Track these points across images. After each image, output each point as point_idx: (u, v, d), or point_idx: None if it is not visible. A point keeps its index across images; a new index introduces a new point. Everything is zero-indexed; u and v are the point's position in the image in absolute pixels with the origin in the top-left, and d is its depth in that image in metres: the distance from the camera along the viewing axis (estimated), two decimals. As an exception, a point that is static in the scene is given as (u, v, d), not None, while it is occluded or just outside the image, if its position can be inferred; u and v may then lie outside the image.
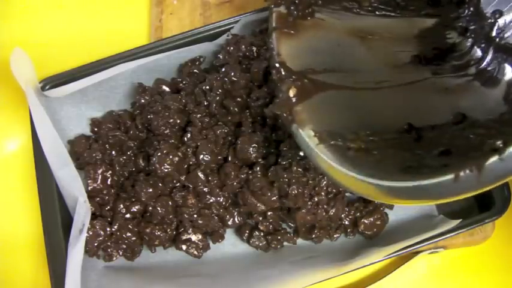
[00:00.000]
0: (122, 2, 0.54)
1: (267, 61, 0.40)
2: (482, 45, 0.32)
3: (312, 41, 0.34)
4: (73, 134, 0.44)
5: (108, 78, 0.43)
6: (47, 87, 0.43)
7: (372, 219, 0.39)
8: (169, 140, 0.40)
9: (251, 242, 0.40)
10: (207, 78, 0.41)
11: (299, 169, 0.36)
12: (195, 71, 0.44)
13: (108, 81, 0.43)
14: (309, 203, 0.37)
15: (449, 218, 0.38)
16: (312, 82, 0.31)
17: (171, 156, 0.39)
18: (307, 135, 0.29)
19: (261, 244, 0.40)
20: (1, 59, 0.46)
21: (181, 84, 0.43)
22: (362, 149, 0.28)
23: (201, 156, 0.39)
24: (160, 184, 0.40)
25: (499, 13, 0.31)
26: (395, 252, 0.36)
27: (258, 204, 0.38)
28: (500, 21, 0.31)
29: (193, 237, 0.39)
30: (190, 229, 0.39)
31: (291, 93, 0.31)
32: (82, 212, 0.38)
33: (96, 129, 0.44)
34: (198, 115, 0.40)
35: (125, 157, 0.42)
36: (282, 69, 0.31)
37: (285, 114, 0.30)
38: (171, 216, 0.39)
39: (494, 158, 0.22)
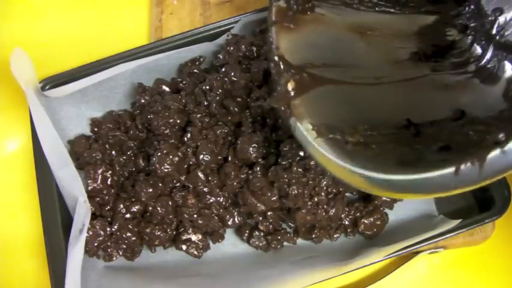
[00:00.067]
0: (122, 2, 0.54)
1: (267, 61, 0.40)
2: (482, 43, 0.32)
3: (312, 36, 0.34)
4: (73, 134, 0.44)
5: (108, 78, 0.43)
6: (47, 87, 0.43)
7: (372, 219, 0.39)
8: (169, 140, 0.40)
9: (251, 242, 0.40)
10: (207, 78, 0.41)
11: (299, 169, 0.36)
12: (195, 71, 0.44)
13: (108, 81, 0.43)
14: (309, 203, 0.37)
15: (449, 218, 0.38)
16: (311, 76, 0.31)
17: (171, 156, 0.39)
18: (305, 129, 0.29)
19: (261, 244, 0.40)
20: (1, 59, 0.46)
21: (181, 84, 0.43)
22: (360, 143, 0.28)
23: (201, 156, 0.39)
24: (160, 184, 0.40)
25: (500, 11, 0.31)
26: (395, 252, 0.36)
27: (258, 204, 0.38)
28: (501, 19, 0.31)
29: (193, 237, 0.39)
30: (190, 229, 0.39)
31: (290, 86, 0.30)
32: (82, 212, 0.38)
33: (96, 129, 0.44)
34: (198, 115, 0.40)
35: (125, 157, 0.42)
36: (280, 63, 0.31)
37: (282, 108, 0.30)
38: (171, 216, 0.39)
39: (496, 151, 0.22)
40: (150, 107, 0.41)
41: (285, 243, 0.40)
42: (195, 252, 0.39)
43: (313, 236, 0.39)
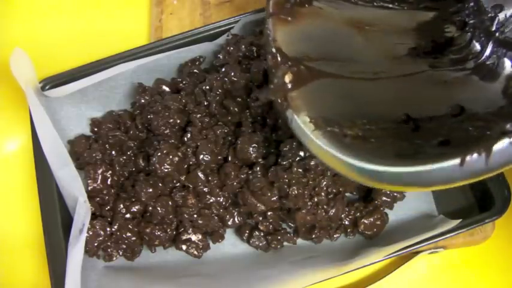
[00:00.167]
0: (122, 2, 0.54)
1: (266, 61, 0.40)
2: (482, 40, 0.32)
3: (309, 29, 0.34)
4: (73, 134, 0.44)
5: (108, 78, 0.43)
6: (47, 87, 0.43)
7: (372, 219, 0.39)
8: (169, 140, 0.40)
9: (251, 242, 0.40)
10: (207, 78, 0.41)
11: (299, 170, 0.36)
12: (195, 71, 0.44)
13: (108, 81, 0.43)
14: (309, 203, 0.37)
15: (449, 218, 0.38)
16: (309, 69, 0.31)
17: (171, 156, 0.39)
18: (302, 121, 0.28)
19: (261, 244, 0.40)
20: (1, 59, 0.46)
21: (181, 84, 0.43)
22: (359, 137, 0.28)
23: (201, 156, 0.39)
24: (160, 184, 0.40)
25: (500, 8, 0.31)
26: (395, 252, 0.36)
27: (258, 204, 0.38)
28: (501, 16, 0.31)
29: (193, 237, 0.39)
30: (190, 229, 0.39)
31: (287, 78, 0.30)
32: (82, 212, 0.38)
33: (96, 129, 0.44)
34: (198, 115, 0.40)
35: (125, 157, 0.42)
36: (278, 55, 0.31)
37: (279, 100, 0.30)
38: (171, 216, 0.39)
39: (503, 141, 0.22)
40: (150, 107, 0.41)
41: (285, 243, 0.40)
42: (195, 252, 0.39)
43: (313, 236, 0.39)
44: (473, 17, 0.33)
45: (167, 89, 0.44)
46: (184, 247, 0.39)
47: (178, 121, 0.40)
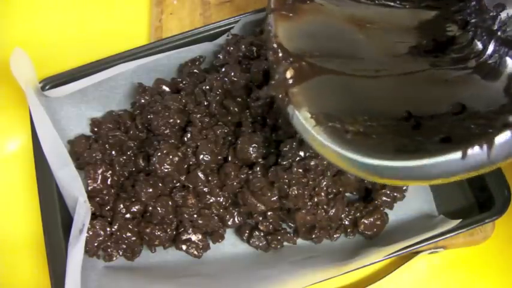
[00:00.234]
0: (122, 2, 0.54)
1: (267, 61, 0.40)
2: (483, 39, 0.32)
3: (310, 26, 0.34)
4: (73, 134, 0.44)
5: (108, 78, 0.43)
6: (47, 87, 0.43)
7: (372, 219, 0.39)
8: (169, 140, 0.40)
9: (251, 242, 0.40)
10: (207, 78, 0.41)
11: (299, 170, 0.36)
12: (195, 71, 0.44)
13: (108, 81, 0.43)
14: (309, 203, 0.37)
15: (449, 218, 0.38)
16: (310, 65, 0.31)
17: (171, 156, 0.39)
18: (303, 117, 0.28)
19: (261, 244, 0.40)
20: (1, 59, 0.46)
21: (181, 84, 0.43)
22: (360, 133, 0.28)
23: (201, 156, 0.39)
24: (160, 184, 0.40)
25: (502, 7, 0.31)
26: (395, 252, 0.36)
27: (258, 205, 0.38)
28: (503, 15, 0.31)
29: (193, 237, 0.39)
30: (190, 229, 0.39)
31: (288, 74, 0.30)
32: (82, 212, 0.38)
33: (96, 129, 0.44)
34: (198, 115, 0.40)
35: (125, 157, 0.42)
36: (279, 50, 0.31)
37: (280, 96, 0.30)
38: (171, 216, 0.39)
39: (505, 134, 0.22)
40: (150, 107, 0.41)
41: (285, 243, 0.40)
42: (195, 252, 0.39)
43: (313, 236, 0.39)
44: (475, 16, 0.33)
45: (167, 89, 0.44)
46: (184, 247, 0.39)
47: (178, 121, 0.40)
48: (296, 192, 0.36)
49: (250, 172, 0.38)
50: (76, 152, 0.42)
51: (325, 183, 0.37)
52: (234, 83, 0.40)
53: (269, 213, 0.39)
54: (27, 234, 0.45)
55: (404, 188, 0.40)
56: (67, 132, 0.43)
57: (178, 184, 0.40)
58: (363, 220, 0.39)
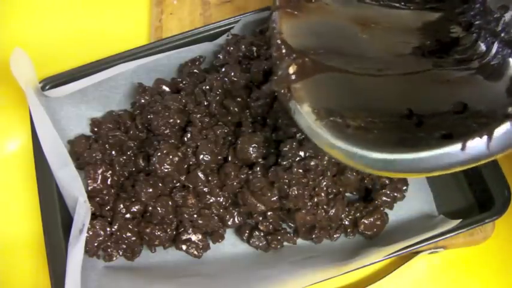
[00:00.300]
0: (122, 2, 0.54)
1: (267, 61, 0.40)
2: (487, 40, 0.32)
3: (315, 24, 0.34)
4: (73, 134, 0.44)
5: (108, 78, 0.43)
6: (47, 87, 0.43)
7: (372, 219, 0.39)
8: (169, 140, 0.40)
9: (251, 242, 0.40)
10: (207, 78, 0.41)
11: (299, 170, 0.36)
12: (195, 71, 0.44)
13: (108, 81, 0.43)
14: (308, 203, 0.37)
15: (449, 218, 0.38)
16: (313, 62, 0.31)
17: (171, 156, 0.39)
18: (305, 111, 0.28)
19: (261, 244, 0.40)
20: (1, 59, 0.46)
21: (181, 84, 0.43)
22: (361, 127, 0.28)
23: (201, 156, 0.39)
24: (160, 184, 0.40)
25: (506, 8, 0.31)
26: (395, 252, 0.36)
27: (258, 205, 0.38)
28: (507, 16, 0.31)
29: (193, 237, 0.39)
30: (190, 229, 0.39)
31: (291, 70, 0.30)
32: (82, 212, 0.38)
33: (96, 129, 0.44)
34: (198, 115, 0.40)
35: (125, 157, 0.42)
36: (283, 47, 0.31)
37: (282, 91, 0.30)
38: (171, 216, 0.39)
39: (505, 124, 0.22)
40: (150, 107, 0.41)
41: (285, 243, 0.40)
42: (195, 252, 0.39)
43: (313, 236, 0.39)
44: (479, 17, 0.33)
45: (167, 89, 0.44)
46: (184, 247, 0.39)
47: (178, 121, 0.40)
48: (296, 192, 0.36)
49: (250, 172, 0.38)
50: (76, 152, 0.42)
51: (325, 183, 0.37)
52: (234, 83, 0.40)
53: (269, 213, 0.39)
54: (27, 234, 0.45)
55: (404, 188, 0.40)
56: (67, 132, 0.43)
57: (178, 184, 0.40)
58: (363, 220, 0.39)
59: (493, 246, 0.42)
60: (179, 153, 0.39)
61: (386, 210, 0.40)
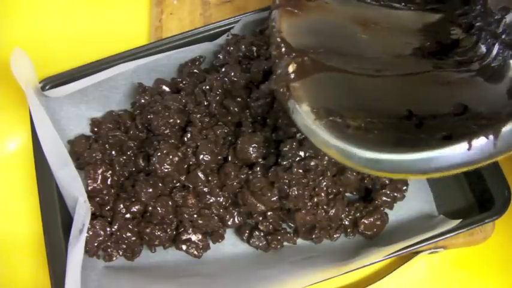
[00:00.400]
0: (122, 2, 0.54)
1: (267, 61, 0.40)
2: (488, 42, 0.32)
3: (314, 23, 0.34)
4: (73, 134, 0.44)
5: (108, 78, 0.43)
6: (47, 87, 0.43)
7: (372, 220, 0.39)
8: (169, 140, 0.40)
9: (251, 242, 0.40)
10: (207, 78, 0.41)
11: (299, 170, 0.36)
12: (195, 71, 0.44)
13: (108, 81, 0.43)
14: (308, 203, 0.37)
15: (449, 218, 0.38)
16: (312, 61, 0.31)
17: (171, 156, 0.39)
18: (304, 111, 0.28)
19: (261, 244, 0.40)
20: (1, 59, 0.46)
21: (181, 84, 0.43)
22: (361, 128, 0.28)
23: (201, 156, 0.39)
24: (160, 184, 0.40)
25: (506, 10, 0.31)
26: (395, 252, 0.36)
27: (258, 205, 0.38)
28: (508, 18, 0.31)
29: (193, 237, 0.39)
30: (190, 229, 0.39)
31: (290, 69, 0.30)
32: (82, 212, 0.38)
33: (96, 129, 0.44)
34: (198, 115, 0.40)
35: (125, 157, 0.42)
36: (282, 45, 0.31)
37: (281, 90, 0.30)
38: (171, 216, 0.39)
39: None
40: (150, 107, 0.41)
41: (285, 243, 0.40)
42: (195, 252, 0.39)
43: (313, 236, 0.39)
44: (480, 19, 0.33)
45: (167, 89, 0.44)
46: (184, 247, 0.39)
47: (178, 121, 0.40)
48: (296, 192, 0.36)
49: (250, 172, 0.38)
50: (76, 152, 0.42)
51: (325, 183, 0.37)
52: (234, 83, 0.40)
53: (269, 213, 0.39)
54: (27, 234, 0.45)
55: (404, 188, 0.40)
56: (67, 132, 0.43)
57: (178, 184, 0.40)
58: (363, 220, 0.39)
59: (493, 246, 0.42)
60: (179, 153, 0.39)
61: (387, 210, 0.40)
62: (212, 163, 0.39)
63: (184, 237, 0.39)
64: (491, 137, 0.23)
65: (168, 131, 0.40)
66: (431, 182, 0.41)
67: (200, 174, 0.39)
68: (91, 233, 0.38)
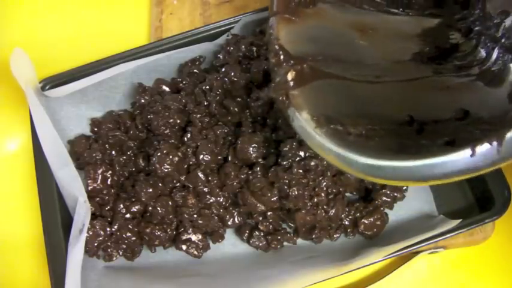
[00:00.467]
0: (122, 2, 0.54)
1: (267, 61, 0.40)
2: (487, 46, 0.32)
3: (312, 30, 0.34)
4: (73, 134, 0.44)
5: (108, 78, 0.43)
6: (47, 87, 0.43)
7: (372, 220, 0.39)
8: (169, 140, 0.40)
9: (251, 242, 0.40)
10: (207, 78, 0.41)
11: (299, 170, 0.36)
12: (195, 71, 0.44)
13: (108, 81, 0.43)
14: (308, 203, 0.37)
15: (449, 218, 0.38)
16: (311, 69, 0.31)
17: (171, 156, 0.39)
18: (304, 119, 0.28)
19: (261, 244, 0.40)
20: (1, 59, 0.46)
21: (181, 84, 0.43)
22: (362, 135, 0.27)
23: (201, 156, 0.39)
24: (160, 184, 0.40)
25: (506, 14, 0.31)
26: (395, 252, 0.36)
27: (258, 205, 0.38)
28: (507, 22, 0.31)
29: (193, 237, 0.39)
30: (190, 229, 0.39)
31: (289, 76, 0.30)
32: (82, 212, 0.38)
33: (96, 129, 0.44)
34: (198, 115, 0.40)
35: (125, 157, 0.42)
36: (281, 53, 0.31)
37: (281, 98, 0.29)
38: (171, 216, 0.39)
39: None
40: (150, 107, 0.41)
41: (285, 243, 0.40)
42: (195, 252, 0.39)
43: (313, 236, 0.39)
44: (479, 23, 0.33)
45: (167, 89, 0.44)
46: (184, 247, 0.39)
47: (178, 121, 0.40)
48: (296, 192, 0.36)
49: (250, 172, 0.38)
50: (76, 152, 0.42)
51: (325, 183, 0.37)
52: (234, 83, 0.40)
53: (269, 213, 0.39)
54: (27, 234, 0.45)
55: (404, 188, 0.40)
56: (67, 132, 0.43)
57: (178, 184, 0.40)
58: (363, 220, 0.39)
59: (493, 246, 0.42)
60: (179, 153, 0.39)
61: (387, 210, 0.40)
62: (212, 163, 0.39)
63: (184, 237, 0.39)
64: (494, 143, 0.22)
65: (168, 131, 0.40)
66: (432, 182, 0.41)
67: (200, 174, 0.39)
68: (91, 233, 0.38)
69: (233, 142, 0.40)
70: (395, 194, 0.40)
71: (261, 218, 0.39)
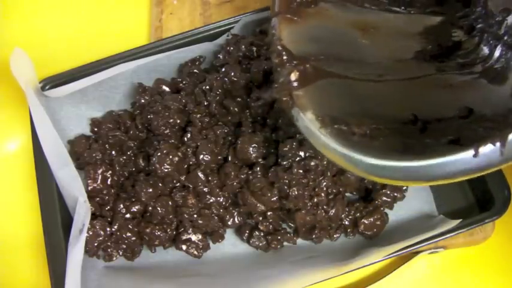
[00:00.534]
0: (122, 2, 0.54)
1: (267, 61, 0.40)
2: (490, 44, 0.32)
3: (314, 29, 0.34)
4: (73, 134, 0.44)
5: (108, 78, 0.43)
6: (47, 87, 0.43)
7: (372, 220, 0.39)
8: (169, 140, 0.40)
9: (251, 242, 0.40)
10: (207, 78, 0.41)
11: (299, 170, 0.36)
12: (195, 71, 0.44)
13: (108, 81, 0.43)
14: (308, 203, 0.37)
15: (449, 218, 0.38)
16: (314, 68, 0.31)
17: (171, 156, 0.39)
18: (308, 119, 0.28)
19: (261, 244, 0.40)
20: (1, 59, 0.46)
21: (181, 84, 0.43)
22: (367, 135, 0.27)
23: (201, 156, 0.39)
24: (160, 184, 0.40)
25: (508, 11, 0.31)
26: (395, 252, 0.36)
27: (258, 205, 0.38)
28: (509, 19, 0.31)
29: (193, 237, 0.39)
30: (190, 229, 0.39)
31: (293, 77, 0.30)
32: (82, 212, 0.38)
33: (96, 129, 0.44)
34: (198, 115, 0.40)
35: (125, 157, 0.42)
36: (284, 53, 0.31)
37: (284, 98, 0.29)
38: (171, 216, 0.39)
39: None
40: (150, 107, 0.41)
41: (285, 243, 0.40)
42: (195, 252, 0.39)
43: (313, 236, 0.39)
44: (481, 21, 0.33)
45: (167, 89, 0.44)
46: (184, 247, 0.39)
47: (178, 121, 0.40)
48: (296, 192, 0.36)
49: (250, 172, 0.38)
50: (76, 152, 0.42)
51: (325, 183, 0.37)
52: (234, 83, 0.40)
53: (269, 213, 0.39)
54: (27, 234, 0.45)
55: (404, 188, 0.40)
56: (67, 132, 0.43)
57: (178, 184, 0.40)
58: (363, 220, 0.39)
59: (493, 246, 0.42)
60: (179, 153, 0.39)
61: (387, 210, 0.40)
62: (212, 163, 0.39)
63: (184, 237, 0.39)
64: (498, 144, 0.22)
65: (168, 131, 0.40)
66: (432, 182, 0.41)
67: (200, 174, 0.39)
68: (91, 233, 0.38)
69: (233, 142, 0.40)
70: (396, 194, 0.40)
71: (261, 218, 0.39)
